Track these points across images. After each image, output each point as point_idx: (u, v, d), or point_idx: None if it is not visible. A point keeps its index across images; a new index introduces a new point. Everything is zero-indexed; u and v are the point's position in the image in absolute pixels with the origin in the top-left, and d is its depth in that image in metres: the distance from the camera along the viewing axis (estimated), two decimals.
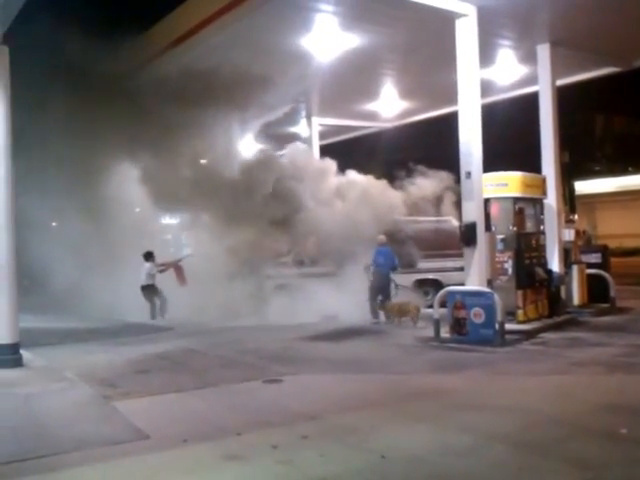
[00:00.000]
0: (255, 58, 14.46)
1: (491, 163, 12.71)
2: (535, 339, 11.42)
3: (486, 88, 14.32)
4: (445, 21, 12.11)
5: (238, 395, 7.94)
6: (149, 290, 15.33)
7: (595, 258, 15.62)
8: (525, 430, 6.08)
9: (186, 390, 8.15)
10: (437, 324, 11.38)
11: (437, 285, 14.94)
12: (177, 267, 15.52)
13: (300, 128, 21.97)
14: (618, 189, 36.87)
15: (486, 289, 11.46)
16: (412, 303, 13.56)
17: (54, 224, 18.54)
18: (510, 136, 26.25)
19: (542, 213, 13.56)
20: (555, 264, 13.97)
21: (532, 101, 15.43)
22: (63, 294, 15.84)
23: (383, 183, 16.54)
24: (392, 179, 16.68)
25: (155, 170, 15.42)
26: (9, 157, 9.98)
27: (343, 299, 13.91)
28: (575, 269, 14.51)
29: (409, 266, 16.09)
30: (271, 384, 8.37)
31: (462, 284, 12.05)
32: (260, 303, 14.10)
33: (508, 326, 11.10)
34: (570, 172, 27.36)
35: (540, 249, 13.21)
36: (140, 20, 16.02)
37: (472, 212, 12.01)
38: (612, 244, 28.40)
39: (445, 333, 11.38)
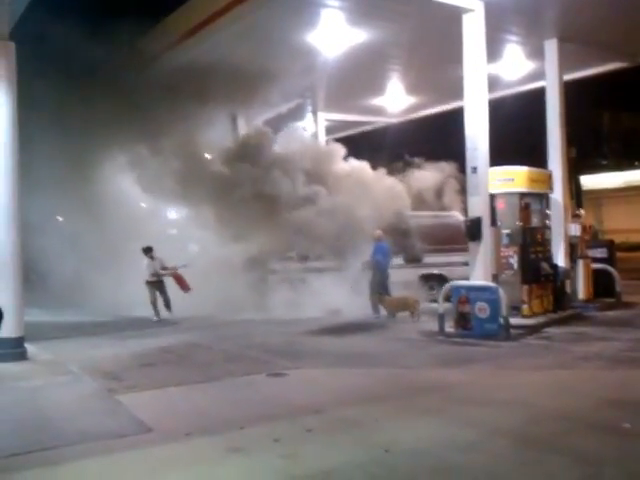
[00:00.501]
0: (262, 53, 14.46)
1: (497, 158, 12.67)
2: (540, 334, 11.39)
3: (493, 83, 14.26)
4: (452, 16, 12.06)
5: (242, 389, 7.95)
6: (149, 286, 14.57)
7: (601, 253, 15.57)
8: (529, 424, 6.07)
9: (190, 384, 8.17)
10: (442, 318, 11.37)
11: (442, 280, 14.89)
12: (176, 275, 14.56)
13: (306, 123, 21.93)
14: (625, 184, 36.73)
15: (491, 284, 11.44)
16: (412, 297, 13.53)
17: (60, 218, 18.57)
18: (517, 131, 26.15)
19: (548, 208, 13.52)
20: (561, 259, 13.93)
21: (539, 96, 15.36)
22: (68, 288, 15.87)
23: (386, 175, 16.48)
24: (398, 173, 16.65)
25: (161, 163, 15.42)
26: (15, 152, 10.01)
27: (347, 294, 13.90)
28: (581, 264, 14.46)
29: (414, 261, 16.07)
30: (275, 378, 8.38)
31: (467, 279, 12.03)
32: (264, 297, 14.08)
33: (513, 321, 11.08)
34: (577, 167, 27.24)
35: (546, 244, 13.18)
36: (147, 15, 16.01)
37: (478, 207, 11.97)
38: (618, 239, 28.38)
39: (450, 327, 11.37)
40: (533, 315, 12.24)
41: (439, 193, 16.61)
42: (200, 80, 14.94)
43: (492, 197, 12.34)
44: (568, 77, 15.67)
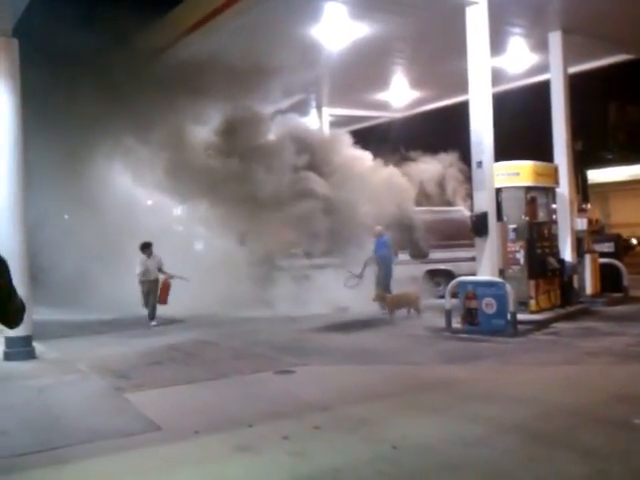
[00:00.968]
0: (266, 48, 14.43)
1: (503, 152, 12.62)
2: (547, 329, 11.37)
3: (497, 76, 14.22)
4: (455, 9, 12.03)
5: (250, 386, 7.97)
6: (143, 286, 13.52)
7: (608, 247, 15.51)
8: (536, 420, 6.06)
9: (198, 381, 8.18)
10: (449, 314, 11.35)
11: (449, 275, 14.88)
12: (166, 284, 13.51)
13: (310, 118, 21.90)
14: (631, 177, 36.55)
15: (498, 279, 11.42)
16: (413, 293, 13.51)
17: (66, 217, 18.60)
18: (522, 125, 26.04)
19: (554, 202, 13.47)
20: (567, 253, 13.90)
21: (544, 89, 15.30)
22: (75, 286, 15.89)
23: (391, 168, 16.44)
24: (402, 168, 16.61)
25: (164, 159, 15.39)
26: (20, 150, 10.04)
27: (354, 290, 13.90)
28: (588, 258, 14.41)
29: (420, 256, 16.06)
30: (283, 375, 8.39)
31: (474, 274, 12.00)
32: (271, 294, 14.09)
33: (520, 316, 11.05)
34: (583, 161, 27.13)
35: (552, 238, 13.13)
36: (150, 10, 15.98)
37: (484, 202, 11.94)
38: (625, 233, 28.28)
39: (457, 323, 11.35)
40: (540, 310, 12.21)
41: (442, 184, 16.52)
42: (203, 75, 14.92)
43: (498, 192, 12.30)
44: (573, 70, 15.63)
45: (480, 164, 11.96)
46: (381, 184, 15.74)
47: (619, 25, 14.13)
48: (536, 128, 19.62)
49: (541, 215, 13.01)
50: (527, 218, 12.45)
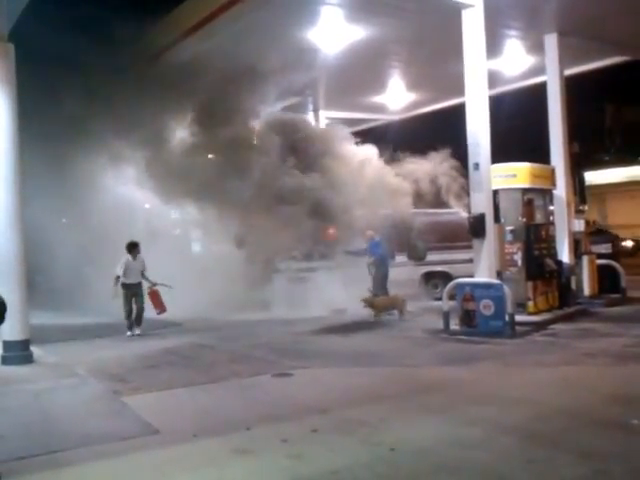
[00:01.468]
0: (263, 51, 14.44)
1: (499, 154, 12.64)
2: (545, 330, 11.38)
3: (494, 79, 14.24)
4: (451, 12, 12.04)
5: (247, 389, 7.95)
6: (126, 290, 12.65)
7: (605, 249, 15.54)
8: (535, 422, 6.05)
9: (195, 385, 8.16)
10: (446, 316, 11.36)
11: (446, 277, 14.88)
12: (152, 292, 12.80)
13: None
14: (628, 179, 36.64)
15: (495, 281, 11.42)
16: (400, 296, 13.46)
17: (64, 220, 18.58)
18: (518, 127, 26.10)
19: (551, 204, 13.49)
20: (565, 255, 13.91)
21: (540, 91, 15.33)
22: (73, 290, 15.88)
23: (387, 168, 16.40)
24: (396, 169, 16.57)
25: (165, 160, 15.37)
26: (17, 154, 10.03)
27: (352, 292, 13.88)
28: (585, 260, 14.44)
29: (418, 258, 16.07)
30: (281, 378, 8.38)
31: (471, 276, 12.01)
32: (268, 297, 14.09)
33: (518, 317, 11.06)
34: (580, 162, 27.17)
35: (550, 240, 13.16)
36: (147, 14, 16.00)
37: (481, 203, 11.95)
38: (622, 234, 28.26)
39: (454, 325, 11.35)
40: (538, 312, 12.22)
41: (434, 182, 16.45)
42: (200, 78, 14.92)
43: (495, 193, 12.32)
44: (569, 72, 15.67)
45: (477, 166, 11.97)
46: (378, 185, 15.69)
47: (615, 27, 14.16)
48: (533, 130, 19.67)
49: (538, 217, 13.05)
50: (524, 220, 12.47)
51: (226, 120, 15.11)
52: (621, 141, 39.39)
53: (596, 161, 36.75)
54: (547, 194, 13.38)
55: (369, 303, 13.26)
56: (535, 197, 12.96)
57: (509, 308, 10.74)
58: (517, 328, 10.84)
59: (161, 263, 13.79)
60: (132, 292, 12.66)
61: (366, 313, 13.46)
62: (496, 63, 15.73)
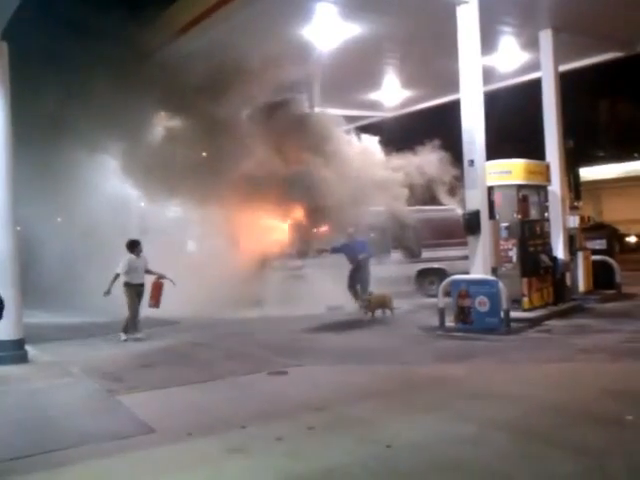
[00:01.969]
0: (258, 48, 14.38)
1: (494, 151, 12.64)
2: (540, 327, 11.39)
3: (488, 75, 14.24)
4: (446, 8, 12.03)
5: (243, 387, 7.95)
6: (130, 290, 12.15)
7: (600, 244, 15.56)
8: (530, 418, 6.07)
9: (191, 383, 8.16)
10: (442, 313, 11.36)
11: (442, 274, 14.88)
12: (158, 285, 12.38)
13: None
14: (623, 175, 36.69)
15: (491, 277, 11.44)
16: (388, 294, 13.35)
17: (59, 219, 18.54)
18: (513, 123, 26.11)
19: (546, 200, 13.49)
20: (560, 251, 13.92)
21: (535, 88, 15.33)
22: (67, 289, 15.84)
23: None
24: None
25: (160, 158, 15.33)
26: (10, 154, 9.99)
27: (346, 290, 13.89)
28: (580, 256, 14.45)
29: (413, 255, 16.07)
30: (276, 376, 8.38)
31: (467, 273, 12.01)
32: (264, 295, 14.07)
33: (513, 314, 11.08)
34: (575, 158, 27.21)
35: (545, 236, 13.16)
36: (140, 12, 15.95)
37: (476, 200, 11.95)
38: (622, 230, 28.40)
39: (450, 322, 11.36)
40: (533, 308, 12.23)
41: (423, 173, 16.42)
42: (194, 75, 14.88)
43: (490, 190, 12.32)
44: (564, 68, 15.65)
45: (472, 163, 11.97)
46: (372, 179, 15.66)
47: (609, 23, 14.17)
48: (527, 126, 19.67)
49: (533, 213, 13.04)
50: (519, 216, 12.47)
51: (219, 116, 15.08)
52: (616, 137, 39.44)
53: (591, 157, 36.80)
54: (542, 190, 13.37)
55: (367, 302, 13.17)
56: (530, 193, 12.95)
57: (504, 304, 10.76)
58: (512, 324, 10.86)
59: (155, 261, 13.74)
60: (137, 292, 12.19)
61: (360, 311, 13.41)
62: (491, 59, 15.72)
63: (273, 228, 15.41)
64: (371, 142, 16.46)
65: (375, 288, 13.57)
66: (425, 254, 16.17)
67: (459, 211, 14.95)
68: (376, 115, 23.08)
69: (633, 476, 4.75)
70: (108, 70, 14.43)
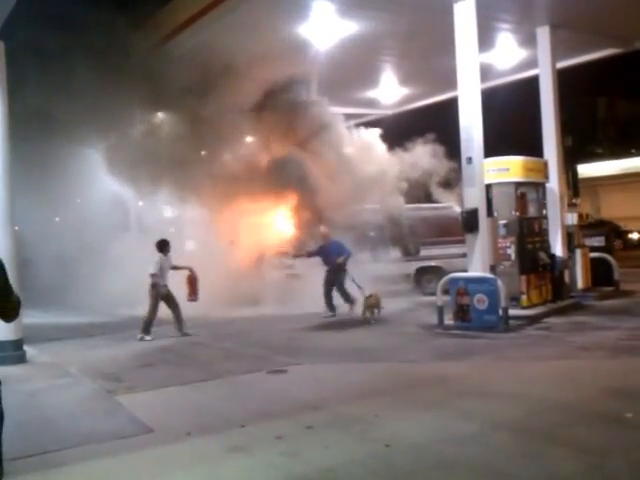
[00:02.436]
0: (255, 46, 14.37)
1: (492, 148, 12.64)
2: (539, 324, 11.39)
3: (486, 72, 14.24)
4: (443, 5, 12.02)
5: (242, 387, 7.95)
6: (161, 290, 12.02)
7: (598, 242, 15.56)
8: (530, 416, 6.06)
9: (190, 383, 8.15)
10: (440, 311, 11.36)
11: (440, 272, 14.88)
12: (192, 277, 12.41)
13: None
14: (621, 171, 36.74)
15: (489, 275, 11.43)
16: (378, 294, 13.00)
17: (57, 219, 18.54)
18: (511, 120, 26.13)
19: (544, 197, 13.49)
20: (558, 248, 13.92)
21: (533, 85, 15.33)
22: (65, 289, 15.84)
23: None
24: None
25: (150, 152, 15.32)
26: (7, 153, 9.97)
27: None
28: (579, 253, 14.45)
29: (411, 254, 16.07)
30: (275, 375, 8.38)
31: (465, 270, 12.01)
32: (262, 294, 14.06)
33: (512, 311, 11.08)
34: (573, 155, 27.24)
35: (543, 233, 13.16)
36: (138, 10, 15.92)
37: (474, 198, 11.95)
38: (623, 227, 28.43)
39: (449, 320, 11.35)
40: (532, 305, 12.23)
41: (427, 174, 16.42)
42: (191, 73, 14.86)
43: (488, 188, 12.31)
44: (562, 64, 15.65)
45: (470, 160, 11.96)
46: (369, 176, 15.67)
47: (607, 19, 14.16)
48: (526, 123, 19.69)
49: (531, 210, 13.03)
50: (517, 213, 12.47)
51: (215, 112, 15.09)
52: (614, 134, 39.49)
53: (589, 154, 36.87)
54: (540, 187, 13.37)
55: (369, 306, 12.71)
56: (528, 191, 12.95)
57: (503, 302, 10.75)
58: (511, 322, 10.86)
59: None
60: (163, 293, 12.00)
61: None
62: (488, 56, 15.72)
63: (269, 225, 15.43)
64: (371, 135, 16.46)
65: (374, 287, 13.46)
66: (423, 252, 16.17)
67: (457, 209, 14.96)
68: (374, 113, 23.07)
69: (633, 474, 4.75)
70: (99, 66, 14.38)
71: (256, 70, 14.69)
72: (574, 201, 15.52)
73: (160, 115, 16.42)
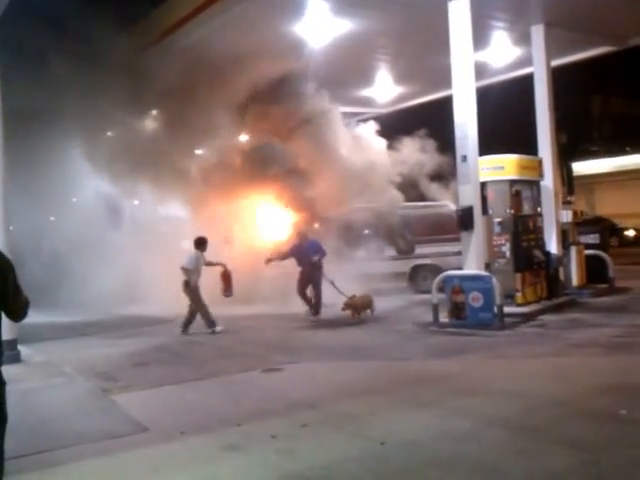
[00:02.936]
0: (250, 45, 14.36)
1: (487, 146, 12.64)
2: (534, 321, 11.40)
3: (481, 71, 14.24)
4: (438, 3, 12.01)
5: (237, 385, 7.94)
6: (196, 288, 12.11)
7: (593, 239, 15.59)
8: (524, 413, 6.07)
9: (185, 382, 8.14)
10: (436, 309, 11.36)
11: (435, 270, 14.88)
12: (226, 273, 12.48)
13: None
14: (616, 169, 36.80)
15: (484, 273, 11.44)
16: (369, 294, 12.89)
17: (52, 218, 18.49)
18: (506, 118, 26.13)
19: (539, 195, 13.51)
20: (553, 246, 13.94)
21: (528, 83, 15.34)
22: (60, 288, 15.78)
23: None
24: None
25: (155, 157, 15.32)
26: (2, 150, 9.92)
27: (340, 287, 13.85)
28: (573, 250, 14.47)
29: (406, 252, 16.08)
30: (270, 373, 8.38)
31: (460, 268, 12.02)
32: (257, 292, 14.03)
33: (507, 309, 11.09)
34: (567, 153, 27.27)
35: (538, 231, 13.18)
36: (133, 8, 15.93)
37: (469, 196, 11.95)
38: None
39: (444, 318, 11.36)
40: (527, 303, 12.24)
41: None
42: (187, 72, 14.84)
43: (483, 185, 12.32)
44: (556, 62, 15.66)
45: (465, 158, 11.97)
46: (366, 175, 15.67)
47: (602, 17, 14.18)
48: (520, 121, 19.69)
49: (526, 208, 13.04)
50: (512, 211, 12.48)
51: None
52: (609, 131, 39.56)
53: (584, 151, 36.91)
54: (534, 185, 13.39)
55: (350, 306, 12.57)
56: (523, 188, 12.96)
57: (498, 300, 10.77)
58: (506, 320, 10.87)
59: (150, 258, 13.72)
60: (195, 288, 12.08)
61: (308, 315, 13.04)
62: (483, 55, 15.73)
63: (262, 222, 15.43)
64: (368, 131, 16.45)
65: (365, 288, 13.41)
66: (419, 250, 16.18)
67: (452, 207, 14.97)
68: (369, 112, 23.05)
69: (628, 470, 4.75)
70: (89, 65, 14.37)
71: (250, 68, 14.67)
72: (569, 199, 15.55)
73: (150, 112, 16.39)
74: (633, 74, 31.36)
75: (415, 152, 16.41)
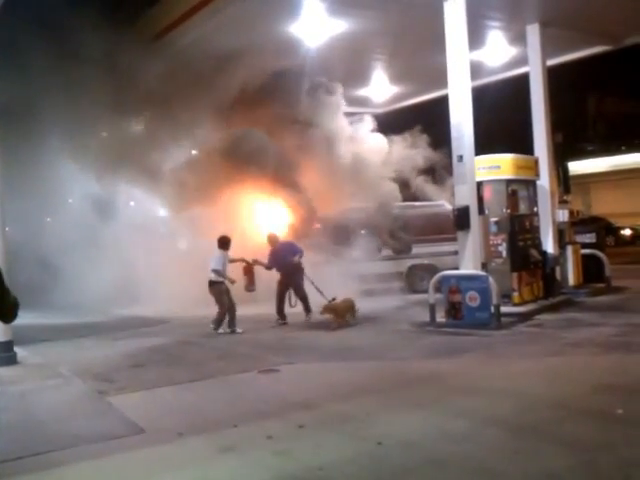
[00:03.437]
0: (245, 45, 14.36)
1: (483, 146, 12.65)
2: (531, 321, 11.40)
3: (476, 70, 14.24)
4: (433, 3, 12.01)
5: (234, 386, 7.92)
6: (215, 289, 12.01)
7: (589, 238, 15.61)
8: (521, 413, 6.07)
9: (181, 383, 8.11)
10: (432, 309, 11.36)
11: (432, 270, 14.89)
12: (249, 268, 12.61)
13: None
14: (612, 168, 36.88)
15: (481, 272, 11.44)
16: (350, 298, 12.48)
17: (48, 219, 18.46)
18: (502, 118, 26.15)
19: (535, 194, 13.51)
20: (549, 245, 13.96)
21: (523, 82, 15.37)
22: (54, 289, 15.76)
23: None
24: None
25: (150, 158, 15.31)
26: None
27: (338, 287, 13.82)
28: (570, 250, 14.49)
29: (403, 252, 16.08)
30: (267, 374, 8.36)
31: (457, 268, 12.01)
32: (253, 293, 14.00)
33: (504, 309, 11.09)
34: (564, 153, 27.30)
35: (534, 230, 13.18)
36: (131, 9, 15.90)
37: (465, 195, 11.95)
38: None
39: (441, 318, 11.36)
40: (524, 302, 12.24)
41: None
42: (183, 73, 14.83)
43: (479, 185, 12.32)
44: (552, 62, 15.70)
45: (461, 158, 11.96)
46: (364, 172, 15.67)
47: (597, 16, 14.21)
48: (516, 121, 19.72)
49: (522, 207, 13.04)
50: (508, 211, 12.48)
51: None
52: (604, 130, 39.61)
53: (580, 151, 36.97)
54: (531, 185, 13.39)
55: (331, 310, 11.94)
56: (519, 188, 12.97)
57: (494, 299, 10.76)
58: (503, 319, 10.87)
59: (147, 259, 13.68)
60: (226, 288, 12.06)
61: (277, 323, 12.70)
62: (479, 54, 15.75)
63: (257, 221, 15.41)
64: (366, 129, 16.45)
65: (371, 286, 13.38)
66: (415, 250, 16.19)
67: (449, 206, 14.97)
68: (365, 112, 23.00)
69: (624, 470, 4.75)
70: (85, 64, 14.35)
71: (246, 67, 14.66)
72: (565, 198, 15.54)
73: (144, 112, 16.39)
74: (629, 73, 31.41)
75: (411, 152, 16.44)
